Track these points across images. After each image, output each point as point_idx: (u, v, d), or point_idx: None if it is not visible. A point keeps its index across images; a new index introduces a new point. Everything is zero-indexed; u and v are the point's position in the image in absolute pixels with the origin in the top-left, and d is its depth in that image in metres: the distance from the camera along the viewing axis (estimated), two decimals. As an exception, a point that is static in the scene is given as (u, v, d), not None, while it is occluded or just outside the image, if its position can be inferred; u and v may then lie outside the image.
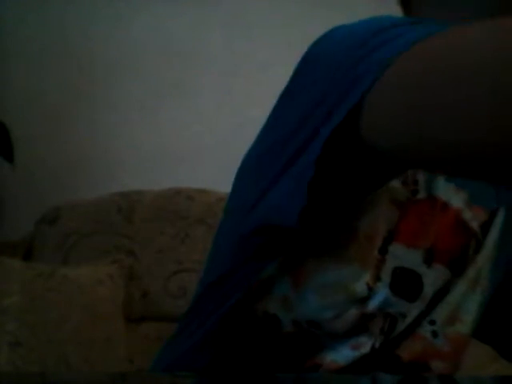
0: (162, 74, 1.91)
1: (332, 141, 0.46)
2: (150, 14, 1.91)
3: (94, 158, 1.90)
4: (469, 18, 0.61)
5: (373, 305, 0.59)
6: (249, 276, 0.58)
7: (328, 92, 0.48)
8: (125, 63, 1.91)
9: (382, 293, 0.59)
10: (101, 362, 1.40)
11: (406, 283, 0.60)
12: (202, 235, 1.61)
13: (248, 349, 0.61)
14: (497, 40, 0.37)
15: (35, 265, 1.49)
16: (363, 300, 0.58)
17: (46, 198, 1.76)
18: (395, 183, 0.60)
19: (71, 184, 1.87)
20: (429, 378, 0.62)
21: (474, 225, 0.64)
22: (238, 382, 0.49)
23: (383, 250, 0.59)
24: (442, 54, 0.40)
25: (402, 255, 0.60)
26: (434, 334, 0.63)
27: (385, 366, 0.61)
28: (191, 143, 1.90)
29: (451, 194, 0.63)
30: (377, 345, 0.60)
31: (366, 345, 0.59)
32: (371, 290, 0.58)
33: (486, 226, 0.66)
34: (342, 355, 0.59)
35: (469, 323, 0.65)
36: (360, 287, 0.58)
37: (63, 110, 1.90)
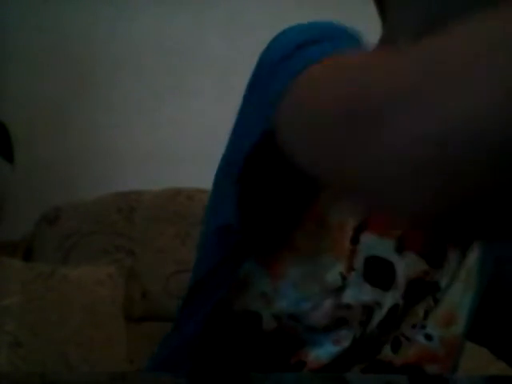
0: (161, 74, 1.92)
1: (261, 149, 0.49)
2: (150, 15, 1.91)
3: (94, 158, 1.90)
4: (441, 16, 0.62)
5: (347, 295, 0.59)
6: (227, 276, 0.58)
7: (256, 103, 0.51)
8: (125, 63, 1.91)
9: (356, 282, 0.59)
10: (101, 361, 1.40)
11: (378, 272, 0.60)
12: (201, 235, 1.61)
13: (232, 348, 0.61)
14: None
15: (35, 265, 1.49)
16: (338, 290, 0.59)
17: (46, 198, 1.76)
18: None
19: (71, 184, 1.87)
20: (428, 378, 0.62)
21: None
22: (238, 382, 0.49)
23: (355, 240, 0.59)
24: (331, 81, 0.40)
25: (374, 244, 0.60)
26: (428, 337, 0.63)
27: (376, 371, 0.61)
28: (191, 143, 1.90)
29: None
30: (357, 336, 0.60)
31: (347, 338, 0.60)
32: (345, 280, 0.59)
33: None
34: (324, 351, 0.59)
35: (462, 325, 0.65)
36: (333, 277, 0.58)
37: (63, 110, 1.90)
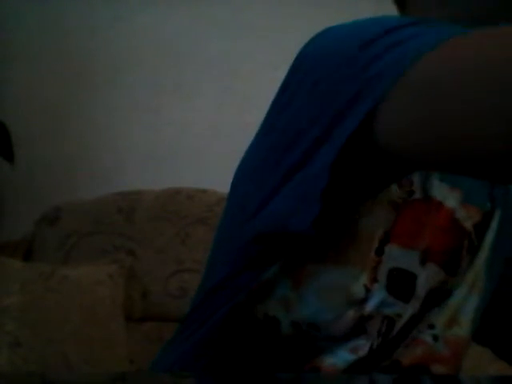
0: (161, 74, 1.92)
1: (345, 145, 0.45)
2: (150, 15, 1.91)
3: (94, 158, 1.90)
4: (467, 17, 0.61)
5: (370, 306, 0.59)
6: (249, 281, 0.58)
7: (335, 93, 0.46)
8: (125, 63, 1.91)
9: (379, 294, 0.59)
10: (101, 361, 1.40)
11: (401, 284, 0.60)
12: (202, 235, 1.61)
13: (247, 351, 0.61)
14: None
15: (35, 265, 1.49)
16: (361, 302, 0.58)
17: (46, 198, 1.76)
18: (391, 186, 0.60)
19: (71, 184, 1.87)
20: (425, 378, 0.62)
21: (468, 224, 0.64)
22: (238, 383, 0.49)
23: (379, 251, 0.59)
24: (472, 59, 0.38)
25: (398, 256, 0.60)
26: (435, 338, 0.63)
27: (384, 371, 0.61)
28: (191, 143, 1.90)
29: (446, 194, 0.63)
30: (374, 346, 0.60)
31: (364, 347, 0.59)
32: (368, 292, 0.58)
33: (480, 227, 0.66)
34: (340, 358, 0.59)
35: (467, 326, 0.65)
36: (358, 289, 0.58)
37: (63, 110, 1.90)
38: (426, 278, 0.61)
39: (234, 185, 0.61)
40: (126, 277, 1.58)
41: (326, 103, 0.47)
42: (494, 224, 0.67)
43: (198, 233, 1.64)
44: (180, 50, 1.92)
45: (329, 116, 0.46)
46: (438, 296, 0.63)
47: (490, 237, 0.67)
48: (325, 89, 0.47)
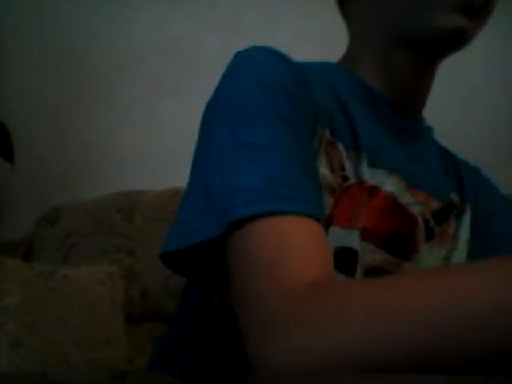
0: (162, 74, 1.92)
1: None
2: (150, 15, 1.91)
3: (94, 158, 1.90)
4: (401, 15, 0.64)
5: None
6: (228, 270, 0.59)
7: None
8: (125, 63, 1.91)
9: None
10: (101, 362, 1.40)
11: (344, 260, 0.62)
12: (201, 235, 1.61)
13: (230, 343, 0.61)
14: None
15: (35, 265, 1.49)
16: None
17: (46, 198, 1.76)
18: (324, 170, 0.62)
19: (71, 184, 1.87)
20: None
21: (417, 209, 0.66)
22: (236, 382, 0.48)
23: None
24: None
25: (341, 236, 0.62)
26: None
27: None
28: (191, 143, 1.89)
29: (382, 179, 0.66)
30: None
31: None
32: None
33: (441, 216, 0.68)
34: None
35: None
36: None
37: (63, 111, 1.90)
38: (363, 254, 0.64)
39: None
40: (126, 277, 1.57)
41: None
42: (467, 220, 0.69)
43: (197, 233, 1.63)
44: (180, 50, 1.92)
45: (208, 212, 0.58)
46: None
47: (464, 233, 0.69)
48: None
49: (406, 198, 0.66)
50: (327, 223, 0.61)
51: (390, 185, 0.65)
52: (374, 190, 0.65)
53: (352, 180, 0.64)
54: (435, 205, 0.67)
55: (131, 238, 1.64)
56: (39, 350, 1.34)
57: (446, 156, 0.84)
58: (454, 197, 0.72)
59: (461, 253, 0.69)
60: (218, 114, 0.58)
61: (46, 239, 1.64)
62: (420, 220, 0.66)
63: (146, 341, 1.53)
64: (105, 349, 1.43)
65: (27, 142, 1.82)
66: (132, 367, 1.46)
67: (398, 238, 0.66)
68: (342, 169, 0.64)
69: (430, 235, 0.66)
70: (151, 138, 1.91)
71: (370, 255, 0.64)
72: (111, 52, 1.92)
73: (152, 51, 1.92)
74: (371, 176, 0.65)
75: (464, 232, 0.70)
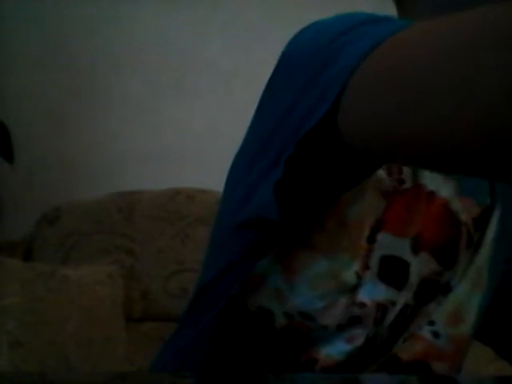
0: (162, 74, 1.92)
1: (310, 140, 0.46)
2: (151, 15, 1.91)
3: (94, 158, 1.90)
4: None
5: (362, 294, 0.59)
6: (244, 272, 0.58)
7: (304, 91, 0.47)
8: (125, 63, 1.91)
9: (371, 281, 0.59)
10: (101, 361, 1.40)
11: (393, 271, 0.60)
12: (202, 235, 1.61)
13: (243, 345, 0.61)
14: (474, 23, 0.32)
15: (35, 265, 1.49)
16: (352, 289, 0.59)
17: (46, 198, 1.76)
18: (381, 173, 0.60)
19: (71, 184, 1.87)
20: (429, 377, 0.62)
21: (464, 217, 0.65)
22: (236, 382, 0.49)
23: (371, 239, 0.59)
24: (417, 43, 0.37)
25: (390, 244, 0.60)
26: (435, 334, 0.63)
27: (384, 366, 0.61)
28: (191, 143, 1.90)
29: (439, 184, 0.63)
30: (371, 335, 0.60)
31: (360, 336, 0.59)
32: (360, 279, 0.59)
33: (479, 222, 0.66)
34: (336, 349, 0.59)
35: (470, 324, 0.65)
36: (349, 276, 0.58)
37: (63, 111, 1.90)
38: (418, 266, 0.61)
39: (228, 177, 0.62)
40: (126, 277, 1.58)
41: (295, 105, 0.48)
42: (495, 220, 0.68)
43: (197, 233, 1.64)
44: (180, 50, 1.92)
45: (296, 117, 0.47)
46: (433, 288, 0.63)
47: (490, 233, 0.67)
48: (298, 87, 0.48)
49: (456, 204, 0.64)
50: (376, 227, 0.59)
51: (445, 190, 0.64)
52: (431, 197, 0.63)
53: (408, 184, 0.62)
54: (475, 210, 0.66)
55: (131, 237, 1.64)
56: (39, 350, 1.34)
57: None
58: (489, 201, 0.71)
59: (485, 253, 0.68)
60: None
61: (46, 239, 1.64)
62: (464, 228, 0.65)
63: (146, 341, 1.54)
64: (105, 349, 1.43)
65: (27, 142, 1.82)
66: (132, 367, 1.46)
67: (448, 247, 0.64)
68: (400, 171, 0.62)
69: (470, 243, 0.65)
70: (151, 138, 1.92)
71: (426, 266, 0.62)
72: (111, 52, 1.92)
73: (152, 51, 1.92)
74: (431, 179, 0.63)
75: (490, 232, 0.68)
